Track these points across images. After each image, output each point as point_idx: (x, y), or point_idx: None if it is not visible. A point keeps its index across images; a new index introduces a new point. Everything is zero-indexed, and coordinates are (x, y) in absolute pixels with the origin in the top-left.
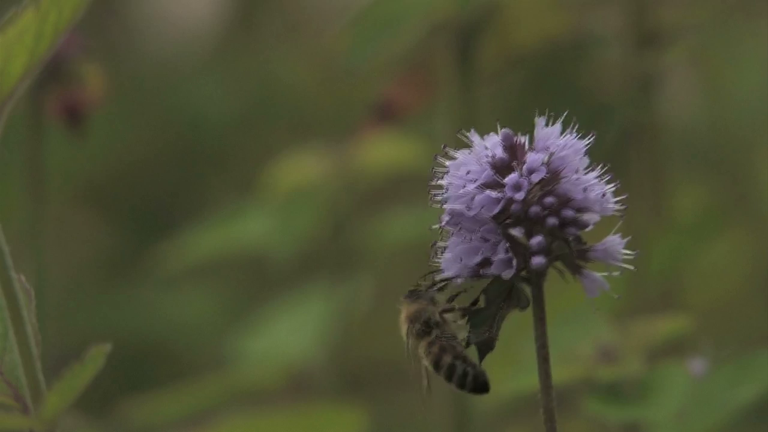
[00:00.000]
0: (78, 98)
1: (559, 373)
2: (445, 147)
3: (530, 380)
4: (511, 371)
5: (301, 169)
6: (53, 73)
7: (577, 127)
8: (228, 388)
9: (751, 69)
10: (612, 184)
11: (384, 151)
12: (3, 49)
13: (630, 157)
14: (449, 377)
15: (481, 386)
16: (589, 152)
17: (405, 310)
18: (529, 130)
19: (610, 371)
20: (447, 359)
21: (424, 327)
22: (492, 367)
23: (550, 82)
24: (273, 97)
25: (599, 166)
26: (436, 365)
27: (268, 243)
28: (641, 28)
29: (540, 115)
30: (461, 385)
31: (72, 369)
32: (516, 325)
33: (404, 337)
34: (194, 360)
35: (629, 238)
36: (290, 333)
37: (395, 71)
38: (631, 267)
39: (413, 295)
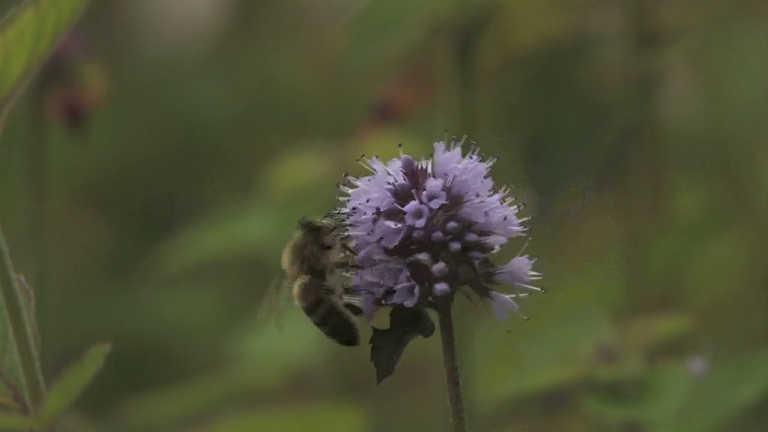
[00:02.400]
0: (78, 98)
1: (559, 373)
2: (346, 175)
3: (530, 380)
4: (511, 371)
5: (301, 169)
6: (53, 73)
7: (477, 150)
8: (228, 389)
9: (751, 69)
10: (514, 206)
11: (384, 151)
12: (3, 49)
13: (630, 157)
14: (321, 324)
15: (349, 342)
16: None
17: (296, 240)
18: (528, 130)
19: (610, 371)
20: (322, 309)
21: (308, 267)
22: (492, 367)
23: (549, 82)
24: (273, 98)
25: (503, 188)
26: (310, 310)
27: (268, 243)
28: (641, 29)
29: (539, 115)
30: (331, 336)
31: (72, 369)
32: (516, 325)
33: (284, 264)
34: (194, 360)
35: (536, 259)
36: (289, 333)
37: (395, 71)
38: (538, 288)
39: (309, 227)
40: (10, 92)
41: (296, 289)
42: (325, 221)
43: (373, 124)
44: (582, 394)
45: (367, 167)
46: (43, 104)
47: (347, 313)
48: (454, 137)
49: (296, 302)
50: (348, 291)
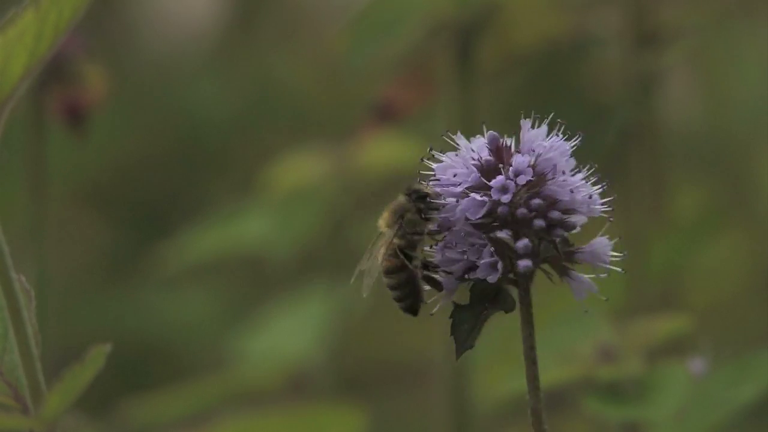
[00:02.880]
0: (78, 98)
1: (559, 373)
2: (431, 149)
3: None
4: (511, 371)
5: (301, 169)
6: (54, 73)
7: (563, 128)
8: (228, 389)
9: (751, 69)
10: (599, 186)
11: (384, 151)
12: (3, 49)
13: (630, 157)
14: (394, 288)
15: (412, 312)
16: (578, 153)
17: (400, 204)
18: (541, 125)
19: (610, 371)
20: (402, 275)
21: (402, 232)
22: (492, 367)
23: (549, 82)
24: (273, 98)
25: (586, 168)
26: (390, 273)
27: (268, 243)
28: (641, 29)
29: (538, 115)
30: (398, 301)
31: (72, 369)
32: (516, 325)
33: (380, 224)
34: (194, 360)
35: (617, 239)
36: (290, 333)
37: (395, 71)
38: (619, 269)
39: (417, 194)
40: (11, 92)
41: (383, 249)
42: (430, 189)
43: (373, 124)
44: (582, 394)
45: (451, 143)
46: (43, 104)
47: (421, 284)
48: (538, 116)
49: (379, 261)
50: (428, 266)
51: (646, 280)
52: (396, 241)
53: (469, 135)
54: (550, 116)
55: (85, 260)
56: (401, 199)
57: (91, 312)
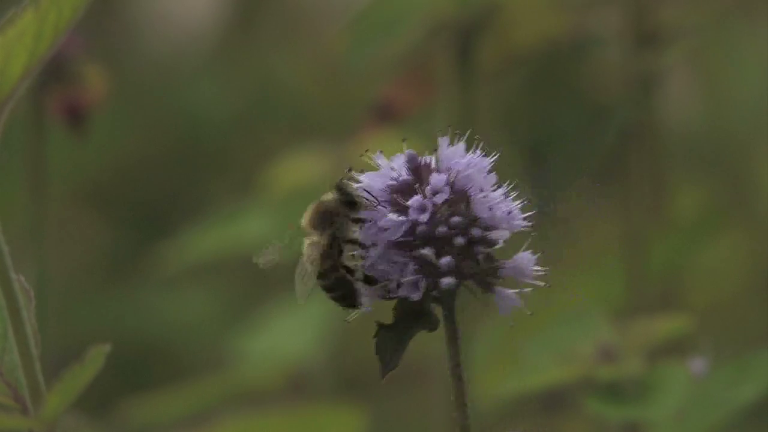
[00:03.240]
0: (78, 98)
1: (559, 373)
2: (350, 170)
3: (530, 380)
4: (511, 371)
5: (301, 169)
6: (53, 73)
7: (481, 144)
8: (228, 389)
9: (751, 69)
10: (518, 201)
11: (385, 150)
12: (3, 49)
13: (630, 157)
14: (329, 289)
15: (351, 308)
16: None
17: (329, 204)
18: (528, 130)
19: (610, 371)
20: (335, 275)
21: (331, 234)
22: (492, 367)
23: (549, 83)
24: (273, 98)
25: (505, 183)
26: (322, 275)
27: (268, 243)
28: (641, 28)
29: (538, 115)
30: (335, 300)
31: (72, 370)
32: (515, 325)
33: (304, 222)
34: (194, 360)
35: (539, 254)
36: (289, 333)
37: (395, 72)
38: (542, 283)
39: (347, 197)
40: (11, 92)
41: (312, 251)
42: (360, 197)
43: (373, 124)
44: (582, 394)
45: (371, 163)
46: (43, 104)
47: (355, 282)
48: (457, 132)
49: (307, 263)
50: (352, 272)
51: (646, 280)
52: (325, 244)
53: (468, 135)
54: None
55: (85, 260)
56: (330, 201)
57: (91, 312)
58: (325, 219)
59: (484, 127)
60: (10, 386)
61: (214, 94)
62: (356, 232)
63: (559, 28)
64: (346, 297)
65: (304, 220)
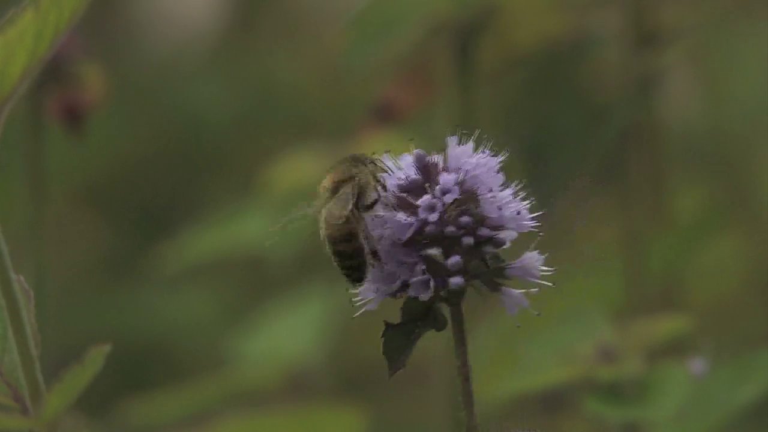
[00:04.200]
0: (77, 99)
1: (559, 373)
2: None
3: (530, 380)
4: (511, 371)
5: (301, 169)
6: (53, 73)
7: (490, 144)
8: (228, 389)
9: (751, 69)
10: (527, 201)
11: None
12: (3, 49)
13: (630, 157)
14: (341, 256)
15: (357, 281)
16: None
17: (341, 170)
18: (528, 130)
19: (610, 371)
20: (353, 244)
21: (356, 199)
22: (492, 367)
23: (549, 83)
24: (273, 98)
25: (514, 183)
26: (338, 239)
27: (267, 243)
28: (641, 29)
29: (539, 115)
30: (343, 269)
31: (72, 370)
32: (516, 325)
33: (324, 184)
34: (194, 360)
35: (547, 254)
36: (289, 333)
37: (395, 72)
38: (550, 284)
39: (358, 161)
40: (11, 93)
41: (333, 211)
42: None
43: (373, 124)
44: (582, 394)
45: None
46: (42, 105)
47: (368, 257)
48: (465, 132)
49: (323, 225)
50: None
51: (646, 280)
52: (348, 206)
53: (468, 135)
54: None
55: (85, 260)
56: (357, 160)
57: (91, 312)
58: (350, 182)
59: (484, 128)
60: (10, 386)
61: (214, 94)
62: (376, 201)
63: (559, 28)
64: (358, 268)
65: (325, 183)
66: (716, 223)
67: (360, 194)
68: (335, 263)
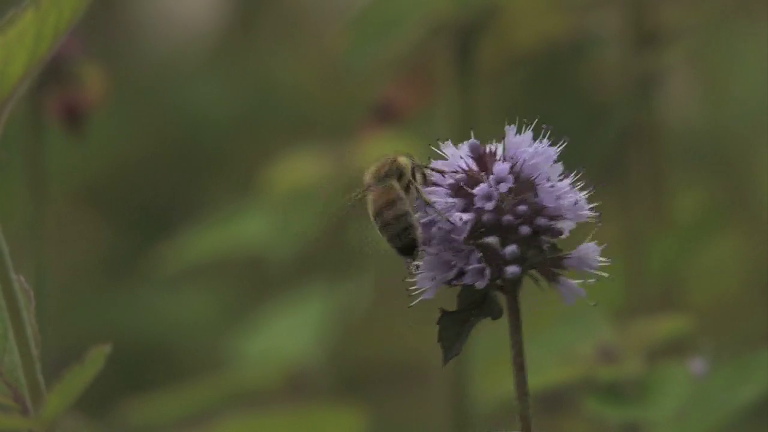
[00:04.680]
0: (77, 99)
1: (559, 373)
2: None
3: (530, 380)
4: (511, 372)
5: (300, 169)
6: (53, 74)
7: (549, 133)
8: (227, 389)
9: (751, 69)
10: (585, 191)
11: (383, 151)
12: (3, 49)
13: (630, 157)
14: (386, 226)
15: (408, 253)
16: (575, 155)
17: (383, 161)
18: (527, 130)
19: (610, 371)
20: (402, 207)
21: (396, 179)
22: (492, 367)
23: (549, 83)
24: (273, 98)
25: (573, 173)
26: (388, 204)
27: (267, 243)
28: (641, 29)
29: (537, 115)
30: (391, 241)
31: (72, 370)
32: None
33: (366, 176)
34: (194, 360)
35: (605, 245)
36: (289, 333)
37: (395, 72)
38: (606, 274)
39: (400, 154)
40: (11, 93)
41: (377, 188)
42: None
43: (373, 124)
44: (582, 394)
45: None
46: (42, 105)
47: (417, 224)
48: (525, 121)
49: (372, 200)
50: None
51: (646, 280)
52: (396, 185)
53: (468, 135)
54: (538, 120)
55: (84, 260)
56: (406, 161)
57: (91, 312)
58: (394, 170)
59: (484, 127)
60: (10, 386)
61: (214, 94)
62: (418, 199)
63: (559, 28)
64: (406, 235)
65: (370, 172)
66: (716, 223)
67: (402, 174)
68: (385, 239)
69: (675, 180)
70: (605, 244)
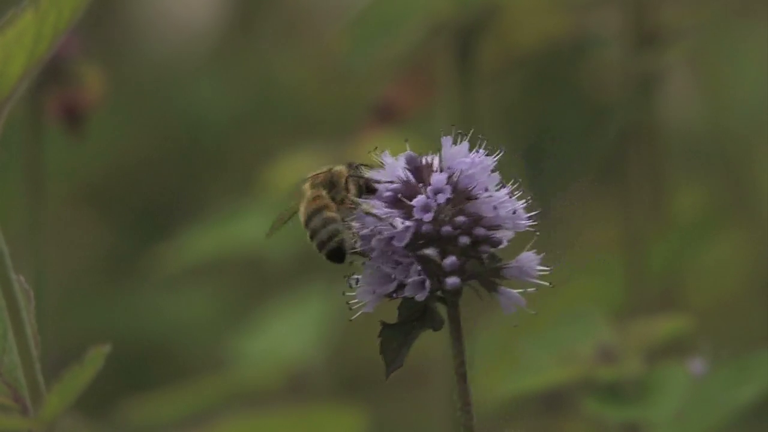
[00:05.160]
0: (77, 99)
1: (559, 373)
2: (360, 164)
3: (530, 380)
4: (511, 371)
5: (301, 169)
6: (52, 73)
7: (484, 144)
8: (228, 389)
9: (751, 69)
10: (523, 200)
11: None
12: (2, 49)
13: (630, 157)
14: (314, 233)
15: (335, 255)
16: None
17: (324, 173)
18: (528, 130)
19: (609, 371)
20: (328, 215)
21: (327, 190)
22: (492, 367)
23: (549, 83)
24: (273, 98)
25: (510, 183)
26: (315, 212)
27: (267, 243)
28: (641, 29)
29: (538, 115)
30: (319, 248)
31: (71, 370)
32: (514, 325)
33: (303, 188)
34: (194, 360)
35: (544, 254)
36: (289, 333)
37: (395, 72)
38: (546, 283)
39: (351, 168)
40: (10, 93)
41: (310, 197)
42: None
43: (373, 125)
44: (582, 394)
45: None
46: (42, 105)
47: (346, 232)
48: (460, 132)
49: (303, 209)
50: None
51: (646, 280)
52: (325, 194)
53: (464, 135)
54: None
55: (84, 260)
56: (342, 170)
57: (90, 312)
58: (331, 185)
59: (484, 128)
60: (10, 386)
61: (214, 94)
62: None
63: (559, 28)
64: (332, 240)
65: (309, 180)
66: (716, 222)
67: (334, 183)
68: (314, 246)
69: (675, 180)
70: (544, 253)
